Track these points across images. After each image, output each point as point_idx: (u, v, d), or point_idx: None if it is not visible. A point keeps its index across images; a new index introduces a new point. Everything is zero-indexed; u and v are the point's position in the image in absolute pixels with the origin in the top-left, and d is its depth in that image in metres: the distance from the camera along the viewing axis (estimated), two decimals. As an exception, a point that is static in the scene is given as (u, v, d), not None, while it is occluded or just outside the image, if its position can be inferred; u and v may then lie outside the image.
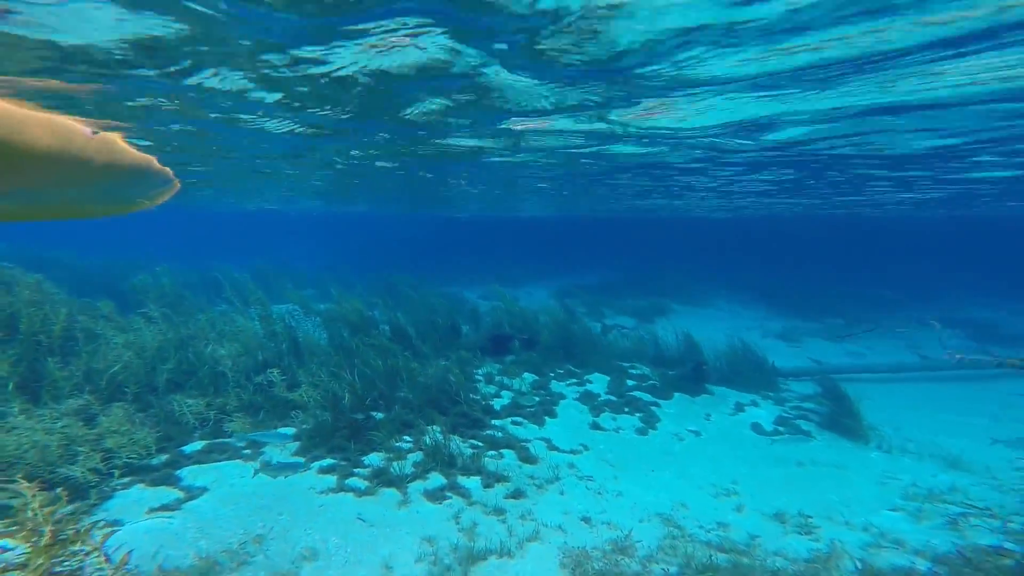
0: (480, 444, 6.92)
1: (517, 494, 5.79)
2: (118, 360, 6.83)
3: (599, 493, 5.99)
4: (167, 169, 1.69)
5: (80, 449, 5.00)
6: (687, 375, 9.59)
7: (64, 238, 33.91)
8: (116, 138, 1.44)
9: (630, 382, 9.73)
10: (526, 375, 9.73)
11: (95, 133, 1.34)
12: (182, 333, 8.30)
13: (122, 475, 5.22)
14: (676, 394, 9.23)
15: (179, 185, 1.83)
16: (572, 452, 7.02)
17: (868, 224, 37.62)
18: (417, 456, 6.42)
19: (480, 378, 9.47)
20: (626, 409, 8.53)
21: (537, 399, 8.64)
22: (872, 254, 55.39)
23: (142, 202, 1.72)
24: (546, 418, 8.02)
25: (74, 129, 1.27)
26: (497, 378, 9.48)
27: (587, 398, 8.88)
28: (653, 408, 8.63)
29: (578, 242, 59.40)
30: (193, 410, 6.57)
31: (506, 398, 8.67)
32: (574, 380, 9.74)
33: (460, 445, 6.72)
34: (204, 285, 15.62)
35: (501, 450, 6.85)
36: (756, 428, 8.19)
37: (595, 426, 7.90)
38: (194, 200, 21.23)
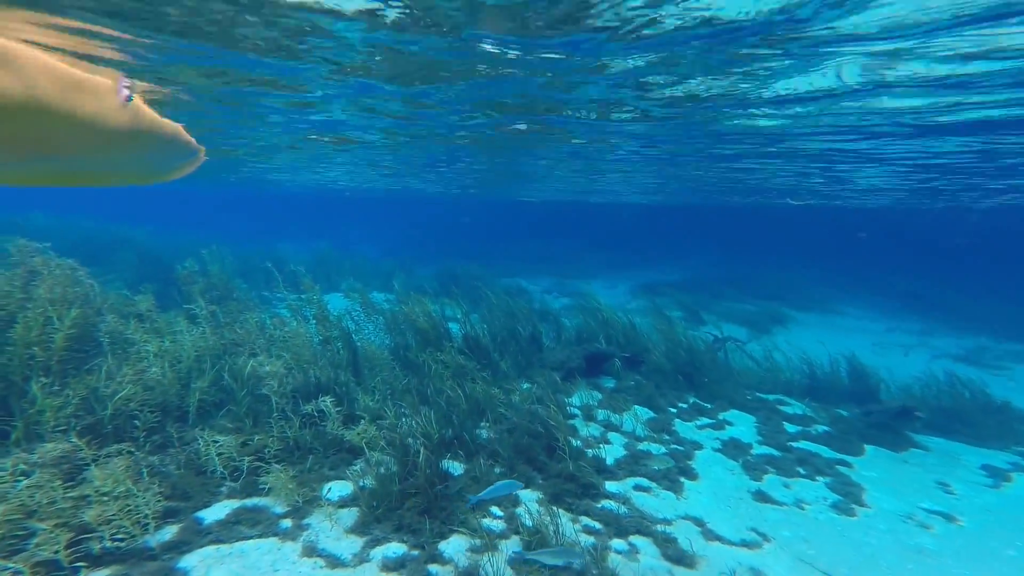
0: (598, 526, 4.74)
1: (682, 639, 3.55)
2: (142, 378, 5.39)
3: (826, 650, 3.59)
4: (193, 140, 1.55)
5: (40, 527, 3.43)
6: (880, 420, 6.76)
7: (145, 215, 35.69)
8: (142, 103, 1.31)
9: (789, 426, 7.07)
10: (638, 409, 7.38)
11: (129, 99, 1.20)
12: (226, 338, 6.87)
13: (97, 565, 3.57)
14: (868, 447, 6.47)
15: (204, 157, 1.70)
16: (745, 545, 4.64)
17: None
18: (514, 544, 4.36)
19: (576, 411, 7.26)
20: (799, 470, 5.95)
21: (664, 450, 6.29)
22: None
23: (167, 172, 1.61)
24: (683, 480, 5.66)
25: (109, 91, 1.15)
26: (599, 413, 7.22)
27: (733, 449, 6.39)
28: (841, 468, 5.98)
29: (654, 231, 54.10)
30: (223, 453, 4.95)
31: (617, 445, 6.40)
32: (707, 420, 7.25)
33: (571, 527, 4.59)
34: (261, 272, 14.63)
35: (630, 538, 4.62)
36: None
37: (761, 496, 5.43)
38: (260, 175, 20.77)
